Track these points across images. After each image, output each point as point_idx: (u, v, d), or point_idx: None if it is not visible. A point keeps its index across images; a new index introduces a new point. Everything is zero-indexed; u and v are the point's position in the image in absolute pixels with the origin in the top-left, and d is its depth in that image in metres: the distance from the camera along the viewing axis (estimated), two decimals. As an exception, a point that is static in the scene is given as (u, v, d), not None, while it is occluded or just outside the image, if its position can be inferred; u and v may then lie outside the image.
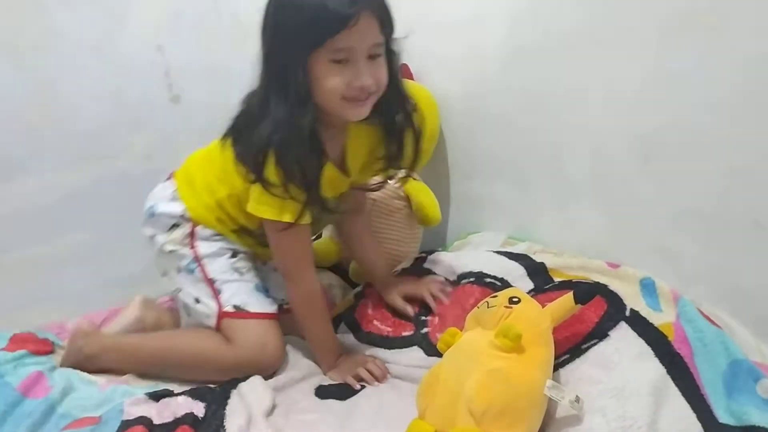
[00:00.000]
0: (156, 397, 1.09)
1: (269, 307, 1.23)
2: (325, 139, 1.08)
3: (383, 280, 1.32)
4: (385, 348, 1.21)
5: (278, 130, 1.02)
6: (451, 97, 1.50)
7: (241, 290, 1.22)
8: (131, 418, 1.01)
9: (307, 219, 1.10)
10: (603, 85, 1.18)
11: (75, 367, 1.21)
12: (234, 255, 1.26)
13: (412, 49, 1.15)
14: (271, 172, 1.05)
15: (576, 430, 0.87)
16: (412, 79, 1.50)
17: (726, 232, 1.04)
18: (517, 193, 1.41)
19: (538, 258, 1.26)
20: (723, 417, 0.89)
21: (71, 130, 1.56)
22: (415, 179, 1.44)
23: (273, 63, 1.05)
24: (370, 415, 1.06)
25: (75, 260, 1.62)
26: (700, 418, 0.87)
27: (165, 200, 1.27)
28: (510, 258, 1.27)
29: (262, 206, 1.10)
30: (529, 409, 0.87)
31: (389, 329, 1.25)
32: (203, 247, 1.24)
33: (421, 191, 1.45)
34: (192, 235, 1.24)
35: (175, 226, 1.26)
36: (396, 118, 1.14)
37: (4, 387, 1.10)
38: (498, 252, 1.32)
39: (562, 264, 1.22)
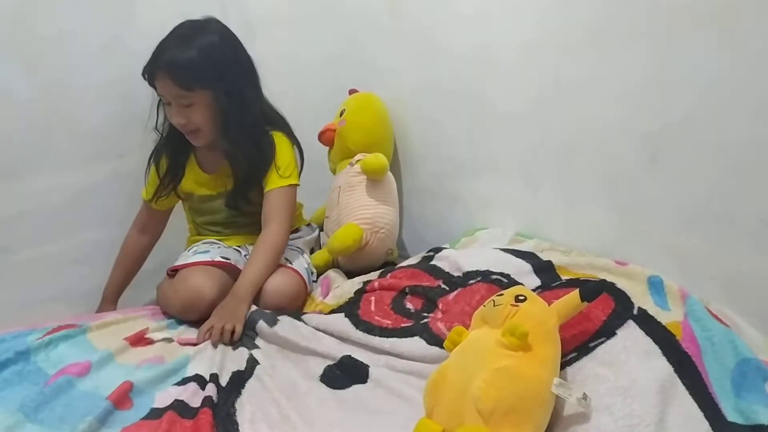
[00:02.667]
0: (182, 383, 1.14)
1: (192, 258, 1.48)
2: (198, 151, 1.53)
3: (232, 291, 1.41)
4: (383, 337, 1.20)
5: (160, 142, 1.53)
6: (457, 94, 1.51)
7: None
8: (161, 406, 1.07)
9: (161, 203, 1.57)
10: (611, 83, 1.18)
11: None
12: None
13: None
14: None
15: (583, 428, 0.87)
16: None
17: (734, 231, 1.03)
18: (525, 190, 1.41)
19: (545, 256, 1.26)
20: (731, 416, 0.88)
21: (80, 130, 1.58)
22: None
23: None
24: (375, 407, 1.07)
25: (84, 259, 1.63)
26: (707, 417, 0.87)
27: None
28: (517, 256, 1.27)
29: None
30: (536, 408, 0.87)
31: (389, 322, 1.25)
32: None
33: (369, 158, 1.59)
34: None
35: None
36: (230, 146, 1.45)
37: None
38: (505, 249, 1.32)
39: (569, 262, 1.22)
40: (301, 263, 1.54)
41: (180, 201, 1.64)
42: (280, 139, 1.50)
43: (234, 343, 1.29)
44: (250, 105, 1.44)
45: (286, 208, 1.48)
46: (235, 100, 1.41)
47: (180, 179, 1.55)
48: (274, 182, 1.47)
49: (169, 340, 1.31)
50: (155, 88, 1.41)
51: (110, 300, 1.57)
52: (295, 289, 1.46)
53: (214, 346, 1.27)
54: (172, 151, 1.52)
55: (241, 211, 1.55)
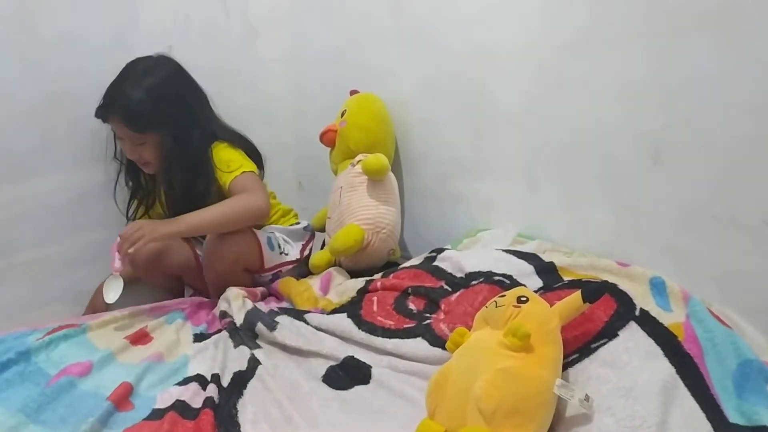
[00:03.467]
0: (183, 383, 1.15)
1: None
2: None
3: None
4: (385, 338, 1.20)
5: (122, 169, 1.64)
6: (459, 94, 1.51)
7: None
8: (163, 406, 1.07)
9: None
10: (612, 83, 1.18)
11: None
12: None
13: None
14: None
15: (585, 429, 0.87)
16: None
17: (736, 232, 1.04)
18: (526, 191, 1.41)
19: (547, 257, 1.26)
20: (733, 417, 0.89)
21: (83, 131, 1.57)
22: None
23: None
24: (377, 408, 1.07)
25: (86, 260, 1.63)
26: (709, 418, 0.87)
27: None
28: (519, 257, 1.27)
29: None
30: (538, 408, 0.87)
31: (391, 323, 1.24)
32: None
33: (370, 158, 1.58)
34: None
35: None
36: (175, 178, 1.53)
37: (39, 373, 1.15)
38: (507, 251, 1.32)
39: (571, 263, 1.22)
40: (264, 234, 1.60)
41: None
42: (216, 148, 1.54)
43: (128, 248, 1.37)
44: (194, 141, 1.53)
45: (255, 186, 1.50)
46: (181, 140, 1.51)
47: (151, 203, 1.65)
48: (227, 179, 1.50)
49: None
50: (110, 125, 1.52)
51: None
52: (247, 248, 1.54)
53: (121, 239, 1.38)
54: (133, 176, 1.63)
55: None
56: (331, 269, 1.57)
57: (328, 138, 1.71)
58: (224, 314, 1.38)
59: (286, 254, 1.64)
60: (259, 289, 1.54)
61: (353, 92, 1.74)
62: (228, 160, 1.52)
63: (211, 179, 1.51)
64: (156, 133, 1.48)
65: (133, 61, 1.50)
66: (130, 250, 1.37)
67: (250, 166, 1.53)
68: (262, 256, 1.56)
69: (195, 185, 1.52)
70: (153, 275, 1.59)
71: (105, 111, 1.47)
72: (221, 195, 1.50)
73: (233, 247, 1.50)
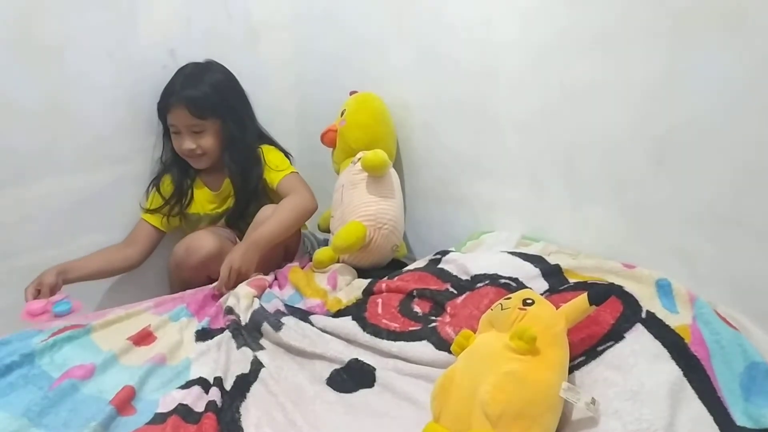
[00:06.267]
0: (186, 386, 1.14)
1: None
2: (202, 174, 1.73)
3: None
4: (390, 340, 1.19)
5: (162, 162, 1.72)
6: (462, 96, 1.50)
7: None
8: (165, 411, 1.07)
9: (164, 222, 1.71)
10: (618, 85, 1.17)
11: None
12: None
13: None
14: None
15: (592, 432, 0.87)
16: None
17: (741, 233, 1.03)
18: (531, 193, 1.41)
19: (553, 259, 1.25)
20: (740, 419, 0.88)
21: (85, 135, 1.58)
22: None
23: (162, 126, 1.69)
24: (382, 411, 1.06)
25: (88, 263, 1.62)
26: (717, 421, 0.87)
27: None
28: (524, 259, 1.27)
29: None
30: (544, 412, 0.87)
31: (396, 325, 1.24)
32: None
33: (369, 154, 1.58)
34: None
35: None
36: (231, 164, 1.67)
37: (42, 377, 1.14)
38: (512, 253, 1.32)
39: (577, 265, 1.22)
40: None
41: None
42: (266, 149, 1.72)
43: (234, 285, 1.45)
44: (248, 130, 1.70)
45: (302, 186, 1.66)
46: (239, 128, 1.67)
47: (188, 203, 1.72)
48: (276, 177, 1.67)
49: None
50: (165, 120, 1.64)
51: (58, 271, 1.49)
52: (295, 236, 1.69)
53: (220, 289, 1.46)
54: (175, 178, 1.70)
55: (239, 229, 1.71)
56: (336, 266, 1.56)
57: (328, 138, 1.71)
58: (230, 310, 1.38)
59: (312, 245, 1.82)
60: (269, 278, 1.55)
61: (352, 93, 1.74)
62: (276, 161, 1.70)
63: (261, 174, 1.68)
64: (217, 120, 1.63)
65: (185, 65, 1.65)
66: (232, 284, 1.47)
67: (293, 168, 1.71)
68: (300, 242, 1.74)
69: (250, 175, 1.68)
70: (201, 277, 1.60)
71: (168, 102, 1.60)
72: (266, 192, 1.70)
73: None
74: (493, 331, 0.97)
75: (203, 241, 1.57)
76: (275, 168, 1.68)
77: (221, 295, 1.46)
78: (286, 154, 1.76)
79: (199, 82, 1.61)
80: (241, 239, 1.68)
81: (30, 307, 1.37)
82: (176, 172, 1.70)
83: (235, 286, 1.45)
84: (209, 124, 1.62)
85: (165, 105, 1.61)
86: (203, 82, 1.62)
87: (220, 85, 1.65)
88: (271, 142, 1.76)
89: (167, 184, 1.70)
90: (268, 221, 1.57)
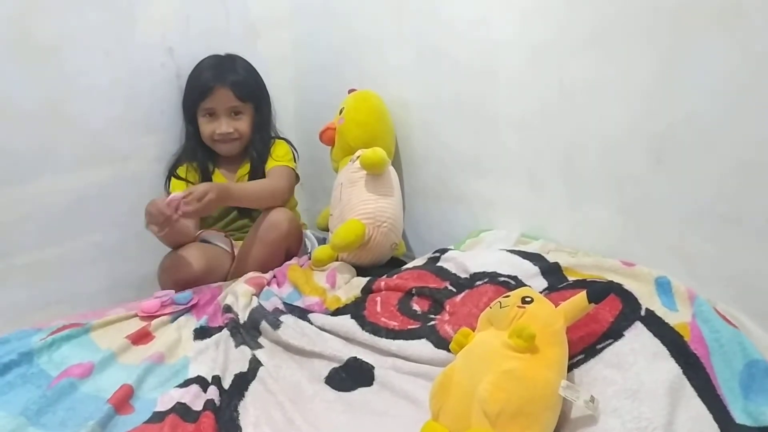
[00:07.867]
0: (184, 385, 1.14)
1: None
2: (221, 160, 1.76)
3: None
4: (389, 339, 1.19)
5: (182, 152, 1.74)
6: (461, 94, 1.50)
7: None
8: (163, 409, 1.07)
9: None
10: (616, 83, 1.17)
11: None
12: None
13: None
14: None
15: (591, 431, 0.86)
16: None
17: (741, 231, 1.03)
18: (530, 191, 1.40)
19: (552, 257, 1.25)
20: (740, 417, 0.88)
21: (83, 133, 1.58)
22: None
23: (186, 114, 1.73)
24: (381, 410, 1.06)
25: (86, 262, 1.63)
26: (716, 419, 0.86)
27: None
28: (524, 257, 1.27)
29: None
30: (543, 410, 0.87)
31: (395, 324, 1.24)
32: None
33: (367, 152, 1.58)
34: None
35: None
36: (255, 152, 1.74)
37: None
38: (511, 251, 1.31)
39: (576, 263, 1.21)
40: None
41: None
42: (279, 142, 1.79)
43: (196, 207, 1.42)
44: (270, 120, 1.81)
45: (286, 181, 1.71)
46: (267, 117, 1.79)
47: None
48: (270, 164, 1.74)
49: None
50: (194, 106, 1.67)
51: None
52: (297, 232, 1.70)
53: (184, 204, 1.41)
54: (200, 164, 1.73)
55: (250, 216, 1.74)
56: (335, 264, 1.55)
57: (327, 136, 1.71)
58: (228, 308, 1.38)
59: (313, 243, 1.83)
60: (267, 276, 1.55)
61: (351, 91, 1.74)
62: (281, 153, 1.76)
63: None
64: (253, 105, 1.72)
65: (208, 57, 1.70)
66: (195, 206, 1.42)
67: (292, 164, 1.77)
68: (300, 233, 1.74)
69: (266, 164, 1.74)
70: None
71: (213, 83, 1.64)
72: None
73: (291, 223, 1.63)
74: (492, 329, 0.96)
75: (191, 260, 1.55)
76: (276, 158, 1.74)
77: (173, 202, 1.40)
78: (294, 154, 1.81)
79: (237, 67, 1.70)
80: (241, 239, 1.67)
81: (145, 306, 1.39)
82: (201, 158, 1.72)
83: (177, 209, 1.39)
84: (247, 107, 1.70)
85: (205, 89, 1.64)
86: (240, 67, 1.71)
87: (254, 72, 1.74)
88: (285, 139, 1.82)
89: (190, 172, 1.72)
90: (246, 183, 1.67)
